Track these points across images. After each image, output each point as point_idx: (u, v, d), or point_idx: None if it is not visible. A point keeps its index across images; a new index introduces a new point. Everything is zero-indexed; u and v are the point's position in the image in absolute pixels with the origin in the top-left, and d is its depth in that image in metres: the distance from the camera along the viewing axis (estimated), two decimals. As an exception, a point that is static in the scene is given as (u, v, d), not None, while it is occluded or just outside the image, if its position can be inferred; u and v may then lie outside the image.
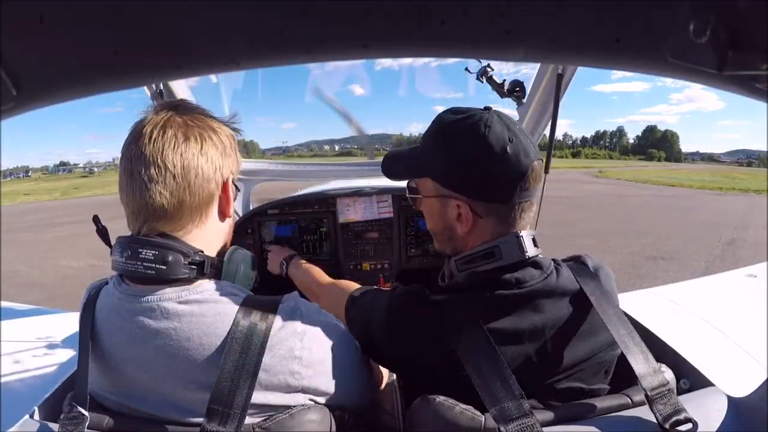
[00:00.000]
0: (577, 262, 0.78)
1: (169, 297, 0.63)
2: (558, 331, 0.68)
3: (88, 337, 0.65)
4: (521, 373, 0.63)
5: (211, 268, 0.67)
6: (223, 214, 0.71)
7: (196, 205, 0.65)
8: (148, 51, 0.37)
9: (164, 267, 0.63)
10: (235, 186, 0.74)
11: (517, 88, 1.30)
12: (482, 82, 1.34)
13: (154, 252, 0.63)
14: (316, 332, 0.68)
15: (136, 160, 0.62)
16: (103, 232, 0.75)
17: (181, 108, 0.68)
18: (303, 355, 0.65)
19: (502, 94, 1.33)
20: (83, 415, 0.62)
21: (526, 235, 0.72)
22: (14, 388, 0.70)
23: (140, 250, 0.63)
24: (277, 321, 0.64)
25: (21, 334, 0.74)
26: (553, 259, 0.75)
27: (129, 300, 0.64)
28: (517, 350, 0.67)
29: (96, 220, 0.76)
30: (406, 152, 0.85)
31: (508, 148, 0.68)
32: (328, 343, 0.69)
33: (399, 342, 0.72)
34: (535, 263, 0.71)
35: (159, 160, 0.62)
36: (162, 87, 1.20)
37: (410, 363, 0.72)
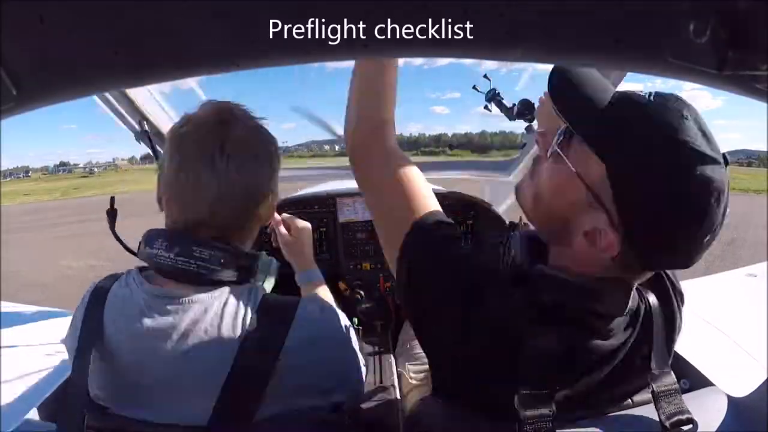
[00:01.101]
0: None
1: (199, 299, 0.63)
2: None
3: (91, 336, 0.64)
4: (552, 382, 0.56)
5: (253, 271, 0.68)
6: (263, 226, 0.76)
7: (251, 218, 0.70)
8: (148, 51, 0.37)
9: (219, 268, 0.63)
10: None
11: (527, 111, 1.25)
12: (490, 110, 1.28)
13: (210, 252, 0.63)
14: (333, 337, 0.68)
15: (203, 162, 0.63)
16: (113, 215, 0.75)
17: (241, 111, 0.70)
18: (319, 358, 0.65)
19: (511, 118, 1.27)
20: (82, 414, 0.62)
21: (637, 285, 0.60)
22: (14, 388, 0.70)
23: (195, 248, 0.63)
24: (294, 324, 0.63)
25: (21, 334, 0.74)
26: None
27: (156, 301, 0.63)
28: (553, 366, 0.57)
29: (112, 201, 0.76)
30: (596, 85, 0.56)
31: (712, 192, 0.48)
32: (343, 346, 0.69)
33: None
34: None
35: (228, 146, 0.64)
36: (146, 124, 1.21)
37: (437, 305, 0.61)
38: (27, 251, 8.01)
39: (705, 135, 0.50)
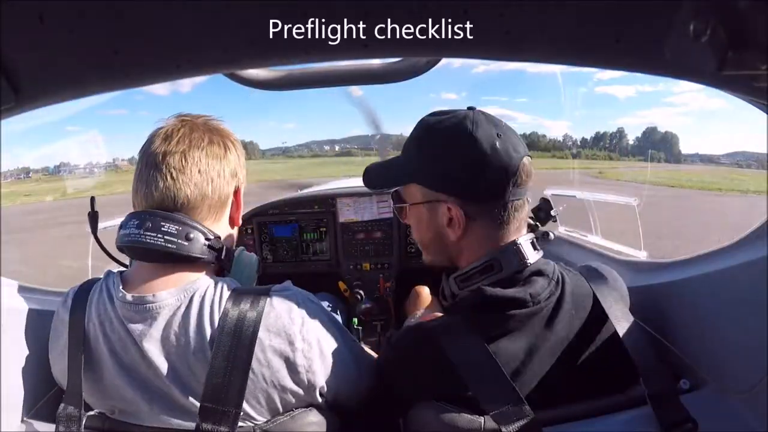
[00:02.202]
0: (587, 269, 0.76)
1: (165, 299, 0.62)
2: (570, 341, 0.67)
3: (77, 342, 0.63)
4: (528, 382, 0.63)
5: (226, 257, 0.68)
6: (233, 220, 0.74)
7: (215, 203, 0.68)
8: (148, 51, 0.37)
9: (186, 243, 0.63)
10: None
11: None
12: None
13: (177, 227, 0.63)
14: (313, 319, 0.66)
15: (162, 154, 0.65)
16: (94, 217, 0.75)
17: (202, 118, 0.72)
18: (302, 343, 0.63)
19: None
20: (80, 415, 0.62)
21: (523, 241, 0.69)
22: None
23: (163, 223, 0.63)
24: (269, 307, 0.62)
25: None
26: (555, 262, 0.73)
27: (128, 308, 0.62)
28: (525, 364, 0.65)
29: (92, 201, 0.76)
30: (386, 163, 0.81)
31: (497, 143, 0.66)
32: (325, 331, 0.68)
33: (401, 385, 0.73)
34: (538, 271, 0.68)
35: (187, 154, 0.65)
36: None
37: (416, 393, 0.70)
38: (27, 251, 8.01)
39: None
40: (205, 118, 0.72)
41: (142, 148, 0.68)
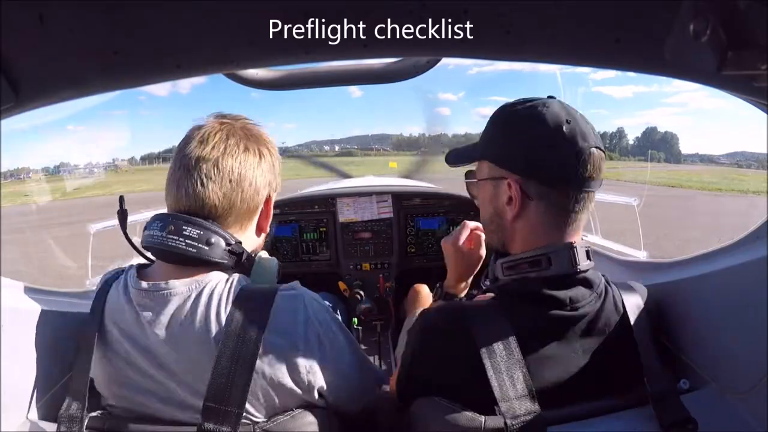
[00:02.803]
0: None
1: (176, 287, 0.63)
2: (595, 355, 0.66)
3: (93, 335, 0.64)
4: (543, 387, 0.62)
5: (247, 262, 0.68)
6: (260, 228, 0.74)
7: (243, 213, 0.69)
8: (148, 51, 0.37)
9: (207, 248, 0.64)
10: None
11: None
12: None
13: (199, 231, 0.64)
14: (318, 321, 0.67)
15: (196, 159, 0.65)
16: (123, 215, 0.75)
17: (240, 121, 0.72)
18: (304, 344, 0.64)
19: None
20: (82, 415, 0.62)
21: (580, 247, 0.67)
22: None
23: (185, 227, 0.64)
24: (275, 308, 0.63)
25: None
26: (603, 275, 0.72)
27: (141, 295, 0.64)
28: (547, 369, 0.65)
29: (121, 200, 0.76)
30: (468, 145, 0.82)
31: (564, 127, 0.64)
32: (329, 333, 0.68)
33: (427, 368, 0.71)
34: (585, 280, 0.67)
35: (220, 162, 0.66)
36: None
37: (435, 385, 0.69)
38: (27, 251, 8.00)
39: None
40: (244, 122, 0.72)
41: (178, 146, 0.69)
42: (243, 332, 0.59)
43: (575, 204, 0.66)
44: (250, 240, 0.73)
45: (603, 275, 0.72)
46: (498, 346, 0.61)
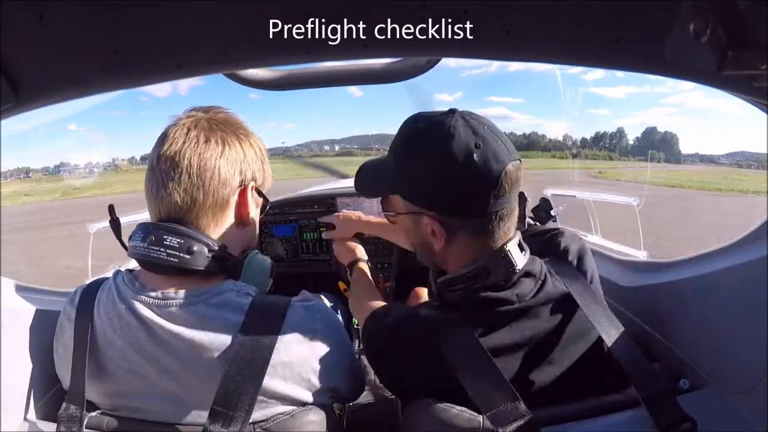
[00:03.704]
0: (558, 257, 0.77)
1: (182, 298, 0.62)
2: (552, 337, 0.68)
3: (83, 340, 0.64)
4: (520, 381, 0.63)
5: (232, 266, 0.67)
6: (240, 220, 0.71)
7: (210, 206, 0.65)
8: (148, 51, 0.37)
9: (188, 256, 0.62)
10: (264, 196, 0.74)
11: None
12: None
13: (179, 240, 0.62)
14: (327, 332, 0.68)
15: (158, 157, 0.65)
16: (116, 224, 0.74)
17: (211, 112, 0.69)
18: (312, 352, 0.65)
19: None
20: (81, 415, 0.62)
21: (511, 246, 0.67)
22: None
23: (165, 236, 0.62)
24: (287, 320, 0.63)
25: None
26: (542, 261, 0.73)
27: (146, 303, 0.63)
28: (515, 361, 0.66)
29: (111, 209, 0.74)
30: (377, 165, 0.80)
31: (474, 155, 0.62)
32: (337, 345, 0.69)
33: (388, 362, 0.73)
34: (527, 273, 0.68)
35: (177, 158, 0.63)
36: None
37: (399, 381, 0.73)
38: (27, 251, 8.01)
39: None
40: (213, 112, 0.69)
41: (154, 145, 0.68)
42: (255, 345, 0.60)
43: (498, 221, 0.66)
44: (232, 234, 0.70)
45: (541, 261, 0.72)
46: (468, 359, 0.62)
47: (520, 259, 0.68)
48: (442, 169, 0.65)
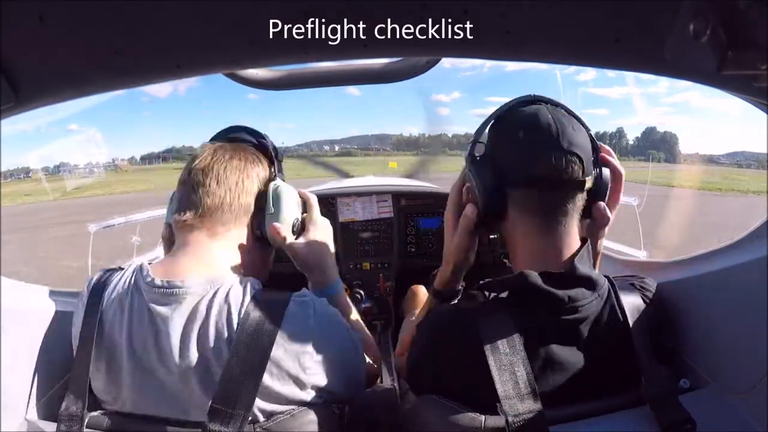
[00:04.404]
0: (632, 288, 0.73)
1: (192, 287, 0.64)
2: (597, 358, 0.66)
3: (90, 334, 0.65)
4: (544, 386, 0.62)
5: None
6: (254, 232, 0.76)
7: (235, 208, 0.73)
8: (148, 51, 0.37)
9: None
10: None
11: None
12: None
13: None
14: (327, 327, 0.69)
15: (189, 171, 0.73)
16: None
17: (231, 140, 0.80)
18: (312, 349, 0.65)
19: None
20: (82, 414, 0.62)
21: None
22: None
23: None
24: (286, 316, 0.64)
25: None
26: (609, 279, 0.71)
27: (153, 290, 0.64)
28: (548, 366, 0.64)
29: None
30: None
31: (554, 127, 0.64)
32: (337, 339, 0.70)
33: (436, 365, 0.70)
34: (587, 280, 0.66)
35: (206, 169, 0.72)
36: None
37: (441, 385, 0.69)
38: (27, 251, 8.00)
39: None
40: (234, 143, 0.78)
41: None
42: (254, 340, 0.61)
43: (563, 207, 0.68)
44: (251, 244, 0.76)
45: (606, 276, 0.71)
46: (502, 344, 0.61)
47: (583, 262, 0.66)
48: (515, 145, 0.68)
